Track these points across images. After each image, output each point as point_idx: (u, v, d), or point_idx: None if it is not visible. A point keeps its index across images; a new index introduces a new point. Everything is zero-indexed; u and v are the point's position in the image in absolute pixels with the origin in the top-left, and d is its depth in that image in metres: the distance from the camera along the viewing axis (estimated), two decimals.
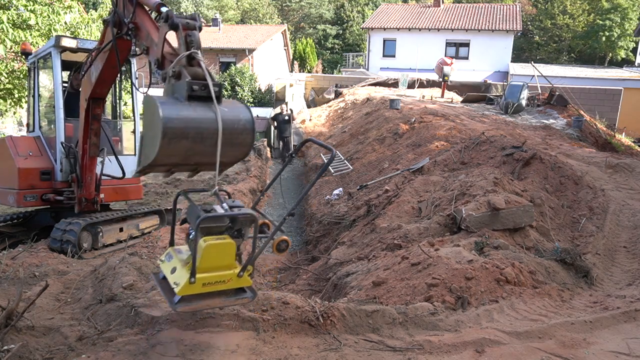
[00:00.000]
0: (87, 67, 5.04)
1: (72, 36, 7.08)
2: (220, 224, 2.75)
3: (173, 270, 2.82)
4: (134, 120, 7.11)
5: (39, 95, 6.50)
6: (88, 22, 11.70)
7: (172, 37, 3.23)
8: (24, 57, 6.66)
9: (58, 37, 6.02)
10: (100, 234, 6.04)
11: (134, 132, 7.07)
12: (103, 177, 6.22)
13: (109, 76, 5.06)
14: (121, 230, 6.45)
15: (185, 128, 2.65)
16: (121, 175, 6.36)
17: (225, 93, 23.72)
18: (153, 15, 3.65)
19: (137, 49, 3.76)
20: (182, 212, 7.65)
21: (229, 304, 2.98)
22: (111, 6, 4.27)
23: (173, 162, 2.77)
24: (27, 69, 6.83)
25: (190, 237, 2.81)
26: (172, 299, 2.71)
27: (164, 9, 3.20)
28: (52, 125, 6.67)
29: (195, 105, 2.73)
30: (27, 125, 6.90)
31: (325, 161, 13.45)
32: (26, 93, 6.80)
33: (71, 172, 6.13)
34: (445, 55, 25.60)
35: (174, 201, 3.19)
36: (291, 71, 33.54)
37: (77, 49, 6.15)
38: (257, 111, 20.63)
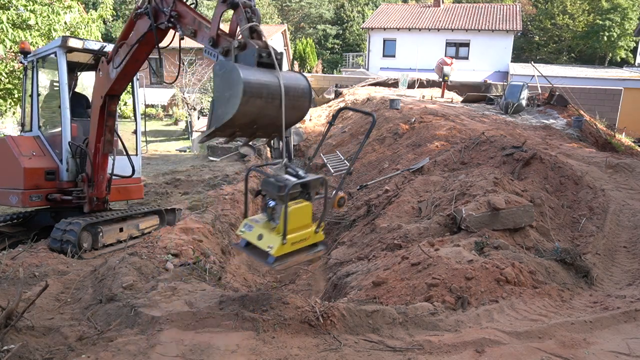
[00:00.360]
0: (122, 63, 5.03)
1: (78, 37, 7.06)
2: (295, 190, 3.21)
3: (260, 237, 3.24)
4: (135, 120, 7.09)
5: (37, 94, 6.46)
6: (88, 22, 11.69)
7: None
8: (22, 55, 6.60)
9: (65, 38, 6.02)
10: (100, 234, 6.03)
11: (135, 132, 7.05)
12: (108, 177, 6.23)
13: (131, 70, 5.19)
14: (121, 230, 6.43)
15: (260, 88, 3.07)
16: (130, 173, 6.45)
17: None
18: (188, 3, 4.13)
19: (182, 33, 4.08)
20: (181, 212, 7.65)
21: (310, 257, 3.52)
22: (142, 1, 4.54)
23: (244, 122, 3.17)
24: (24, 67, 6.75)
25: (269, 205, 3.27)
26: (267, 260, 3.16)
27: None
28: (52, 125, 6.64)
29: (264, 70, 3.18)
30: (22, 124, 6.82)
31: (326, 161, 13.44)
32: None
33: (80, 171, 6.15)
34: (445, 55, 25.59)
35: (245, 177, 3.59)
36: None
37: (83, 50, 6.18)
38: None
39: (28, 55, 6.61)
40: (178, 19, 4.08)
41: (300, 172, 3.25)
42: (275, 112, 3.20)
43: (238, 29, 3.36)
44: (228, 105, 3.06)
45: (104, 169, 6.05)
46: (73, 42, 6.05)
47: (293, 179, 3.14)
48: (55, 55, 6.10)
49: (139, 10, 4.51)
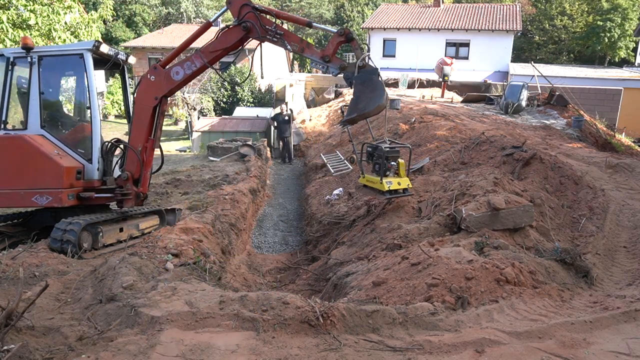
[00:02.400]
0: (210, 63, 5.79)
1: (106, 43, 7.04)
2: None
3: (399, 184, 6.40)
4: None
5: (41, 92, 6.35)
6: (88, 23, 11.69)
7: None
8: (25, 51, 6.48)
9: (99, 43, 6.09)
10: (100, 234, 6.03)
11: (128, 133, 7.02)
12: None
13: (198, 74, 5.93)
14: (121, 230, 6.43)
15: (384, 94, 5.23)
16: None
17: (226, 93, 23.74)
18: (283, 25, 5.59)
19: (289, 49, 5.41)
20: (181, 212, 7.65)
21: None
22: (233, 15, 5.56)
23: (368, 113, 5.25)
24: (11, 62, 6.47)
25: (392, 164, 6.48)
26: (409, 192, 6.62)
27: (317, 24, 5.53)
28: (57, 124, 6.57)
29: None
30: (4, 122, 6.36)
31: (326, 161, 13.42)
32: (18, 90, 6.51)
33: (107, 170, 6.30)
34: (445, 55, 25.60)
35: (361, 148, 6.03)
36: (291, 71, 33.54)
37: (106, 56, 6.25)
38: (257, 111, 20.62)
39: (31, 52, 6.51)
40: (284, 36, 5.33)
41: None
42: (377, 111, 5.25)
43: (350, 52, 4.45)
44: (370, 102, 5.02)
45: (150, 165, 6.37)
46: (104, 48, 6.14)
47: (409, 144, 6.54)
48: (82, 57, 6.07)
49: (232, 23, 5.56)
